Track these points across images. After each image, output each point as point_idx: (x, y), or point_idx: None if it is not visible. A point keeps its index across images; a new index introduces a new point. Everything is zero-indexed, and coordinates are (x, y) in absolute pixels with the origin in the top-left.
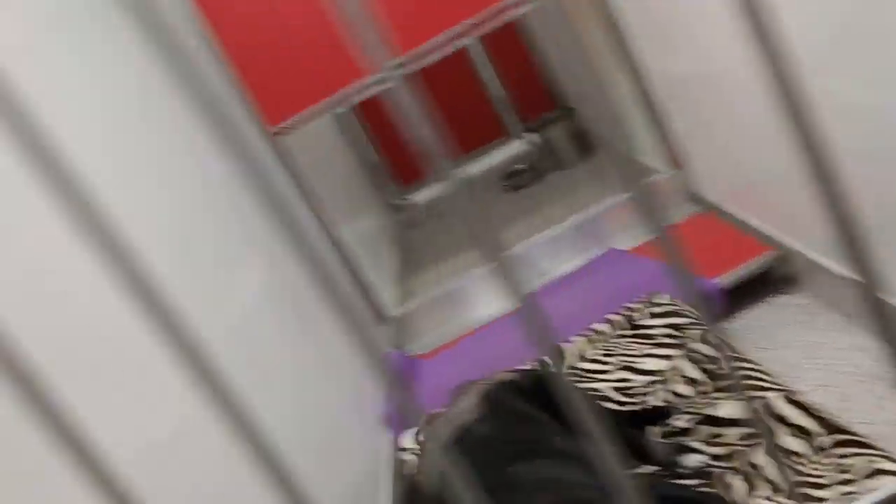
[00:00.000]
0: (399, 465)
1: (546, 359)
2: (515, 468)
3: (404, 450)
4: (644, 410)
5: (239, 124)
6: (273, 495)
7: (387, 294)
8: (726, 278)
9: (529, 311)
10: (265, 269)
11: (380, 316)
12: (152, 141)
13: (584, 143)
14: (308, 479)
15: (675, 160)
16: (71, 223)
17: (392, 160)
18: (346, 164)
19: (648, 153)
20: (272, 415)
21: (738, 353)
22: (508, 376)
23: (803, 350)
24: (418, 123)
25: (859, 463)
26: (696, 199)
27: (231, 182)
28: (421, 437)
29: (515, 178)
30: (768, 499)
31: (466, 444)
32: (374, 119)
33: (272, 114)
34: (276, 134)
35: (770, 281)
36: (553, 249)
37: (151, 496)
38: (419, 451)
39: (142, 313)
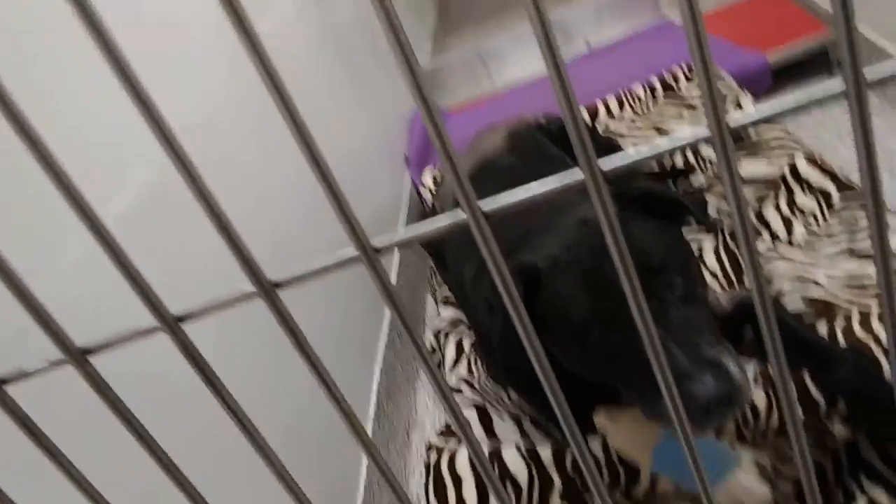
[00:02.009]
0: (417, 199)
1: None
2: None
3: (423, 186)
4: (663, 170)
5: None
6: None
7: (422, 47)
8: (777, 55)
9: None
10: None
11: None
12: None
13: None
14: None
15: None
16: None
17: None
18: None
19: None
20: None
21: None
22: (536, 119)
23: (837, 131)
24: None
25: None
26: None
27: None
28: (439, 173)
29: None
30: (769, 249)
31: (488, 172)
32: None
33: None
34: None
35: (820, 62)
36: (603, 17)
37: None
38: (437, 185)
39: None
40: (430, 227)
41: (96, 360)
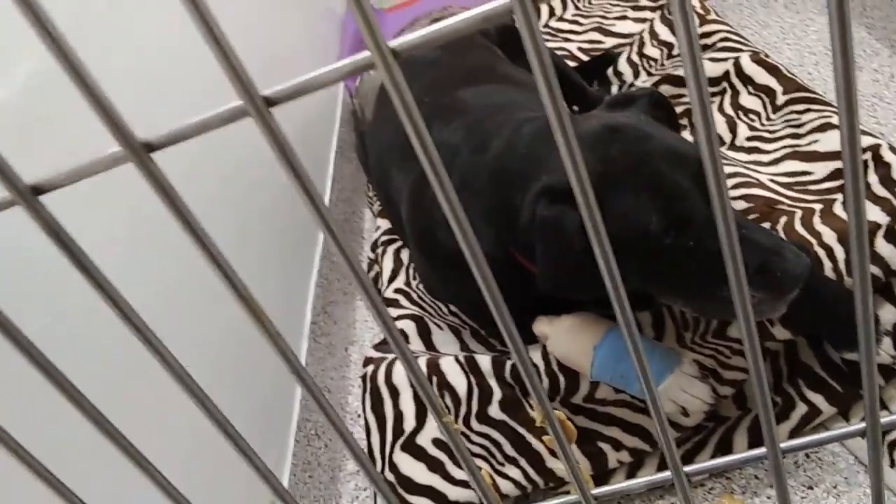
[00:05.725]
0: (352, 107)
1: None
2: (463, 92)
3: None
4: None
5: None
6: None
7: None
8: None
9: None
10: None
11: None
12: None
13: None
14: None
15: None
16: None
17: None
18: None
19: None
20: None
21: (717, 18)
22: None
23: (781, 30)
24: None
25: (811, 117)
26: None
27: None
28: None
29: None
30: None
31: (410, 66)
32: None
33: None
34: None
35: None
36: None
37: None
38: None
39: None
40: (332, 71)
41: None
